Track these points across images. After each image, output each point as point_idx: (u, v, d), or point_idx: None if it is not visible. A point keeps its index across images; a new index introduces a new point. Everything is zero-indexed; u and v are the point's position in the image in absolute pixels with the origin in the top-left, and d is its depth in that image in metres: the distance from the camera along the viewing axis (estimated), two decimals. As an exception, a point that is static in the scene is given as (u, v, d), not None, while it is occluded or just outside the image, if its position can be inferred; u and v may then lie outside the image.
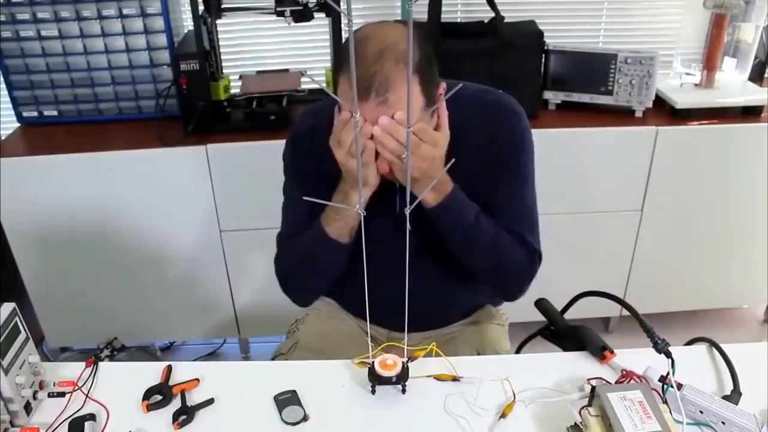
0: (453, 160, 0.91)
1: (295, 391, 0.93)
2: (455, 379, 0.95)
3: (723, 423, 0.84)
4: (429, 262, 1.13)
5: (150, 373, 0.98)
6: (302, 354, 1.21)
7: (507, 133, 1.07)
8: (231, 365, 1.09)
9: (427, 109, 0.95)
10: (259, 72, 1.96)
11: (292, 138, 1.17)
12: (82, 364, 0.99)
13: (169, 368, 0.98)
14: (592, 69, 1.82)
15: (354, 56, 0.85)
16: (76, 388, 0.94)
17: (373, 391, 0.92)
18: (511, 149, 1.08)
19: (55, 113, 1.90)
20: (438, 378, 0.96)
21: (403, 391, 0.92)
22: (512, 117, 1.08)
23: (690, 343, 1.03)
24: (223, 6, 1.74)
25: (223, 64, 1.86)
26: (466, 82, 1.06)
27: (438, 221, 1.04)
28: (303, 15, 1.67)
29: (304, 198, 0.83)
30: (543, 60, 1.83)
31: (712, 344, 1.01)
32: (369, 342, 0.95)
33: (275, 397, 0.92)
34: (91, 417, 0.88)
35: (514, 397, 0.91)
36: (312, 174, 1.13)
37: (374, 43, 0.90)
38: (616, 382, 0.91)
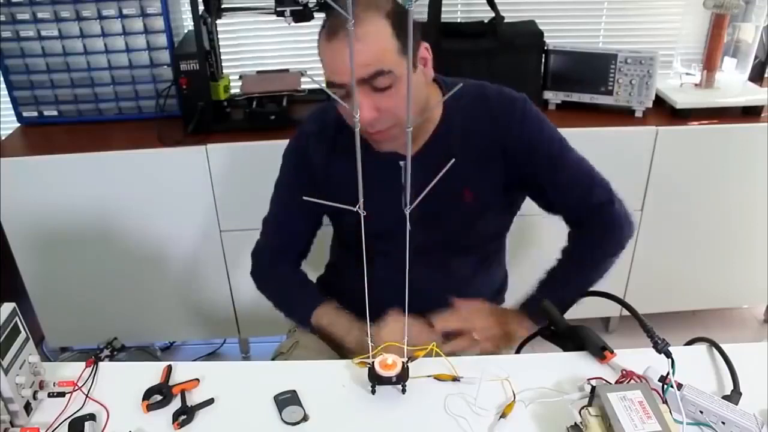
0: (453, 160, 0.91)
1: (295, 391, 0.93)
2: (455, 379, 0.95)
3: (723, 423, 0.84)
4: (433, 261, 1.14)
5: (150, 373, 0.98)
6: (302, 353, 1.21)
7: (516, 123, 1.08)
8: (231, 365, 1.09)
9: (402, 56, 0.95)
10: (259, 72, 1.97)
11: (296, 143, 1.19)
12: (82, 364, 0.99)
13: (169, 368, 0.98)
14: (592, 69, 1.82)
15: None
16: (76, 388, 0.94)
17: (373, 391, 0.92)
18: (531, 135, 1.09)
19: (55, 113, 1.90)
20: (438, 378, 0.95)
21: (403, 391, 0.92)
22: (513, 105, 1.09)
23: (690, 343, 1.03)
24: (223, 6, 1.74)
25: (223, 64, 1.86)
26: (465, 79, 1.08)
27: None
28: (303, 15, 1.67)
29: (304, 198, 0.83)
30: (543, 60, 1.83)
31: (712, 344, 1.00)
32: (369, 342, 0.95)
33: (275, 397, 0.92)
34: (91, 417, 0.88)
35: (514, 397, 0.91)
36: (312, 180, 1.15)
37: None
38: (616, 382, 0.91)
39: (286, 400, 0.92)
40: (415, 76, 1.00)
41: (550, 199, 1.15)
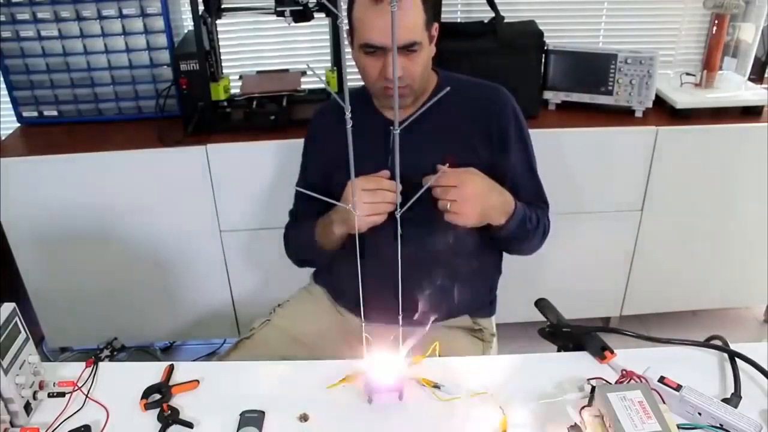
0: (447, 165, 1.02)
1: (263, 413, 0.90)
2: (436, 386, 0.93)
3: (721, 426, 0.84)
4: (414, 234, 1.14)
5: (150, 373, 0.98)
6: (270, 331, 1.26)
7: (509, 114, 1.20)
8: (231, 365, 1.09)
9: (426, 29, 1.09)
10: (259, 72, 1.97)
11: (308, 126, 1.33)
12: (82, 364, 0.99)
13: (171, 368, 0.98)
14: (592, 69, 1.82)
15: None
16: (76, 388, 0.94)
17: (370, 401, 0.92)
18: (517, 129, 1.22)
19: (55, 113, 1.90)
20: (421, 382, 0.94)
21: (400, 398, 0.92)
22: (511, 103, 1.23)
23: (707, 341, 1.02)
24: (223, 6, 1.74)
25: (223, 64, 1.86)
26: (459, 74, 1.25)
27: (506, 235, 1.15)
28: (303, 15, 1.67)
29: (298, 189, 0.89)
30: (543, 60, 1.83)
31: (724, 344, 0.99)
32: (364, 342, 0.94)
33: (242, 413, 0.90)
34: (86, 429, 0.88)
35: (503, 413, 0.89)
36: (318, 161, 1.28)
37: None
38: (616, 382, 0.91)
39: (248, 420, 0.89)
40: (428, 48, 1.13)
41: (510, 189, 1.20)
